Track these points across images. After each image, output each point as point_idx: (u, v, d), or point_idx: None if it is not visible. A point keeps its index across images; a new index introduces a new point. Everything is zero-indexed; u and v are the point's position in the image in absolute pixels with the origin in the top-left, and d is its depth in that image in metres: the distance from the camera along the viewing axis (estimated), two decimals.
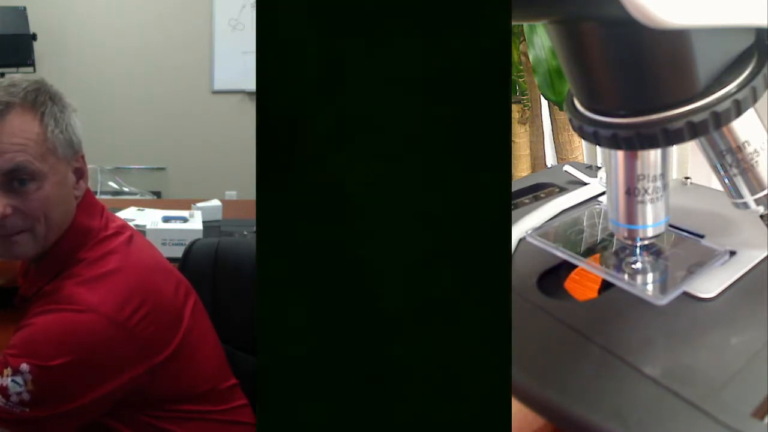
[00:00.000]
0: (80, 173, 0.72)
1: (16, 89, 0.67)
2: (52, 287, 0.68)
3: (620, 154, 0.42)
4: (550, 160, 1.46)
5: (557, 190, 0.65)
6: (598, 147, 0.42)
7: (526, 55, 1.25)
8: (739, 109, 0.36)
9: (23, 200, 0.67)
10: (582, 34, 0.37)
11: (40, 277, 0.70)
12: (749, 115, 0.38)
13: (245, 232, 1.43)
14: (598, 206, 0.59)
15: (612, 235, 0.50)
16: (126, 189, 2.59)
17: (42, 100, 0.68)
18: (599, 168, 0.65)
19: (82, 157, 0.72)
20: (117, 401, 0.68)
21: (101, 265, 0.68)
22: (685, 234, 0.50)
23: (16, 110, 0.67)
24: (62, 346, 0.63)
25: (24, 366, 0.62)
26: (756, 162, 0.40)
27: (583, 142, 1.27)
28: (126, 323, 0.65)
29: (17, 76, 0.72)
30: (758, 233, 0.47)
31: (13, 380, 0.62)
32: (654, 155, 0.41)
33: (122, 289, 0.67)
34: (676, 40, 0.35)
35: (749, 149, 0.40)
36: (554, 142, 1.38)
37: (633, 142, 0.37)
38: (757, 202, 0.42)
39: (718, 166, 0.42)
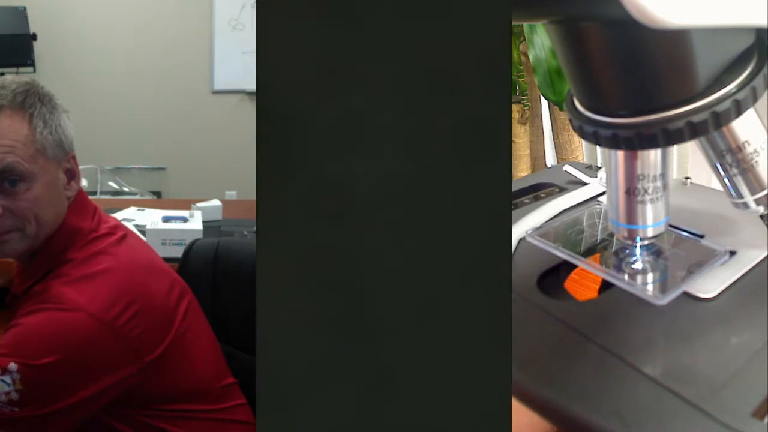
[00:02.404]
0: (72, 174, 0.73)
1: (4, 91, 0.68)
2: (41, 287, 0.68)
3: (620, 154, 0.42)
4: (550, 160, 1.46)
5: (557, 190, 0.65)
6: (598, 147, 0.42)
7: (526, 55, 1.25)
8: (739, 109, 0.36)
9: (13, 200, 0.67)
10: (582, 34, 0.37)
11: (30, 276, 0.71)
12: (749, 115, 0.38)
13: (245, 232, 1.43)
14: (598, 206, 0.59)
15: (612, 235, 0.50)
16: (126, 189, 2.59)
17: (31, 102, 0.69)
18: (599, 168, 0.65)
19: (74, 157, 0.73)
20: (111, 400, 0.68)
21: (90, 265, 0.69)
22: (685, 234, 0.50)
23: (5, 112, 0.67)
24: (49, 344, 0.64)
25: (12, 365, 0.63)
26: (756, 162, 0.40)
27: (583, 142, 1.27)
28: (113, 323, 0.66)
29: (8, 77, 0.73)
30: (758, 233, 0.47)
31: (1, 380, 0.63)
32: (654, 155, 0.41)
33: (110, 289, 0.67)
34: (676, 40, 0.35)
35: (749, 149, 0.40)
36: (554, 142, 1.38)
37: (633, 142, 0.37)
38: (757, 202, 0.42)
39: (718, 166, 0.42)
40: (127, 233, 0.75)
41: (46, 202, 0.69)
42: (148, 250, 0.78)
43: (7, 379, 0.62)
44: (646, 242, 0.46)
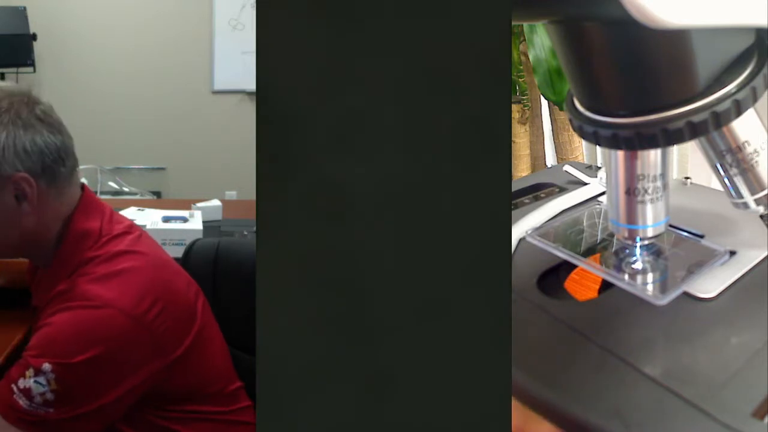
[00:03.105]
0: (23, 194, 0.69)
1: None
2: (65, 286, 0.68)
3: (620, 154, 0.42)
4: (550, 160, 1.46)
5: (557, 190, 0.65)
6: (598, 147, 0.42)
7: (526, 55, 1.25)
8: (739, 109, 0.36)
9: None
10: (582, 34, 0.37)
11: (51, 285, 0.70)
12: (749, 115, 0.38)
13: (245, 232, 1.43)
14: (598, 206, 0.59)
15: (612, 235, 0.50)
16: (126, 189, 2.59)
17: None
18: (599, 168, 0.65)
19: (23, 178, 0.68)
20: (137, 400, 0.68)
21: (114, 263, 0.68)
22: (685, 234, 0.50)
23: None
24: (82, 342, 0.63)
25: (46, 366, 0.62)
26: (756, 162, 0.40)
27: (583, 142, 1.27)
28: (143, 318, 0.65)
29: None
30: (758, 233, 0.47)
31: (35, 381, 0.62)
32: (654, 155, 0.41)
33: (137, 286, 0.67)
34: (676, 40, 0.35)
35: (749, 149, 0.40)
36: (554, 142, 1.38)
37: (633, 142, 0.37)
38: (757, 202, 0.42)
39: (718, 166, 0.42)
40: (142, 233, 0.76)
41: None
42: (162, 250, 0.78)
43: (42, 380, 0.62)
44: (646, 242, 0.46)
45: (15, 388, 0.63)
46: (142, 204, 1.59)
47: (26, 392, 0.62)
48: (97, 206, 0.74)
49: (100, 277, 0.67)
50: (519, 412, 0.37)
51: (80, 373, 0.63)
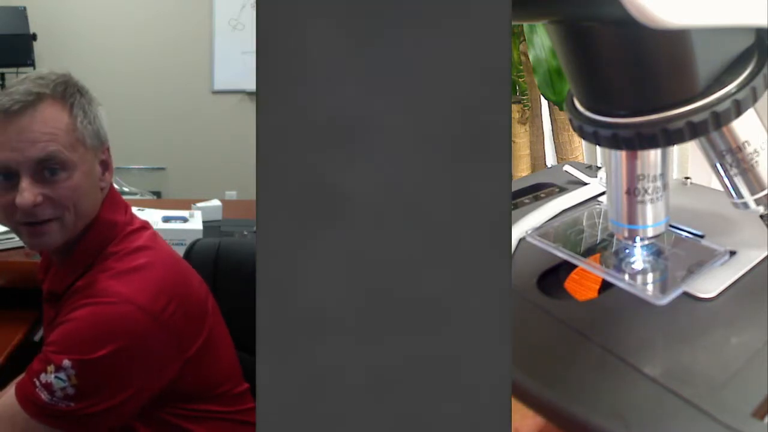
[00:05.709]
0: (106, 165, 0.74)
1: (44, 81, 0.69)
2: (84, 282, 0.68)
3: (620, 154, 0.42)
4: (550, 160, 1.46)
5: (557, 190, 0.65)
6: (598, 147, 0.42)
7: (526, 55, 1.25)
8: (739, 109, 0.36)
9: (53, 189, 0.68)
10: (582, 34, 0.37)
11: (71, 271, 0.71)
12: (749, 115, 0.38)
13: (245, 232, 1.43)
14: (598, 206, 0.59)
15: (612, 235, 0.50)
16: (126, 189, 2.59)
17: (71, 92, 0.71)
18: (599, 168, 0.65)
19: (108, 149, 0.74)
20: (152, 397, 0.68)
21: (133, 258, 0.69)
22: (685, 234, 0.50)
23: (47, 101, 0.68)
24: (101, 338, 0.64)
25: (66, 362, 0.63)
26: (756, 162, 0.40)
27: (583, 142, 1.27)
28: (160, 315, 0.66)
29: (44, 69, 0.74)
30: (758, 233, 0.47)
31: (56, 376, 0.63)
32: (654, 155, 0.41)
33: (155, 283, 0.68)
34: (676, 40, 0.35)
35: (749, 149, 0.40)
36: (554, 142, 1.38)
37: (633, 142, 0.37)
38: (757, 202, 0.42)
39: (718, 166, 0.42)
40: (155, 231, 0.76)
41: (84, 192, 0.70)
42: (173, 249, 0.78)
43: (62, 375, 0.63)
44: (646, 242, 0.46)
45: (37, 382, 0.64)
46: (142, 204, 1.59)
47: (48, 387, 0.63)
48: (120, 200, 0.76)
49: (120, 273, 0.67)
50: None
51: (99, 368, 0.64)
